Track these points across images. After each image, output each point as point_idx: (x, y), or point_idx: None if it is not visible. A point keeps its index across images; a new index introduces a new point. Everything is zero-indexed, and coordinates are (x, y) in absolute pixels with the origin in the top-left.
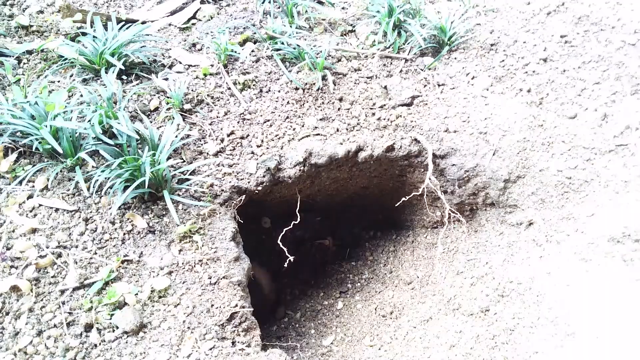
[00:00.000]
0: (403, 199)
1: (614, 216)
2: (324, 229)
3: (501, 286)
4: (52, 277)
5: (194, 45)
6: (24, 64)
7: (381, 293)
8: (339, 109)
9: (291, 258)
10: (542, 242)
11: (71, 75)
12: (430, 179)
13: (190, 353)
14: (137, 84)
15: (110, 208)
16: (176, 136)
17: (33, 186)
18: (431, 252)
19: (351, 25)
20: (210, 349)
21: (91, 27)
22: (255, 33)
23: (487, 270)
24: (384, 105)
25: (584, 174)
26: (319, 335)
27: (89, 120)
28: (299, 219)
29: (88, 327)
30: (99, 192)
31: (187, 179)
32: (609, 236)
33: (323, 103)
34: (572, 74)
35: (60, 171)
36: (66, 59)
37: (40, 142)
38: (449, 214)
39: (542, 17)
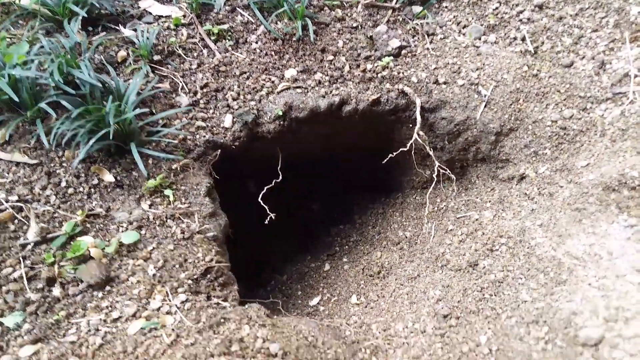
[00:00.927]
0: (390, 155)
1: (610, 165)
2: (311, 194)
3: (490, 241)
4: (12, 231)
5: None
6: None
7: (369, 254)
8: (321, 61)
9: (272, 215)
10: (535, 195)
11: (32, 27)
12: (418, 133)
13: (160, 306)
14: (104, 36)
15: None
16: (144, 86)
17: None
18: (420, 212)
19: None
20: (183, 302)
21: None
22: None
23: (476, 226)
24: (370, 56)
25: (579, 123)
26: (306, 296)
27: (49, 70)
28: (280, 177)
29: (50, 281)
30: (61, 146)
31: (158, 131)
32: (605, 184)
33: (304, 54)
34: (569, 21)
35: (22, 124)
36: (27, 9)
37: None
38: (439, 171)
39: None
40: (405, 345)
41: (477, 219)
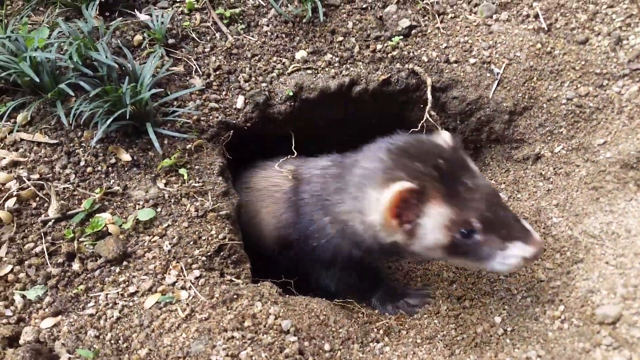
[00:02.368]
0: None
1: (627, 142)
2: None
3: None
4: (34, 209)
5: None
6: (7, 5)
7: None
8: (331, 42)
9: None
10: (551, 175)
11: (52, 13)
12: (430, 113)
13: (175, 281)
14: (120, 20)
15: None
16: (159, 69)
17: (15, 122)
18: None
19: None
20: (197, 278)
21: None
22: None
23: None
24: (380, 36)
25: (595, 101)
26: None
27: (69, 52)
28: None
29: (70, 256)
30: (80, 126)
31: (173, 112)
32: (622, 162)
33: (314, 36)
34: None
35: (43, 106)
36: None
37: (19, 76)
38: None
39: None
40: (419, 326)
41: None
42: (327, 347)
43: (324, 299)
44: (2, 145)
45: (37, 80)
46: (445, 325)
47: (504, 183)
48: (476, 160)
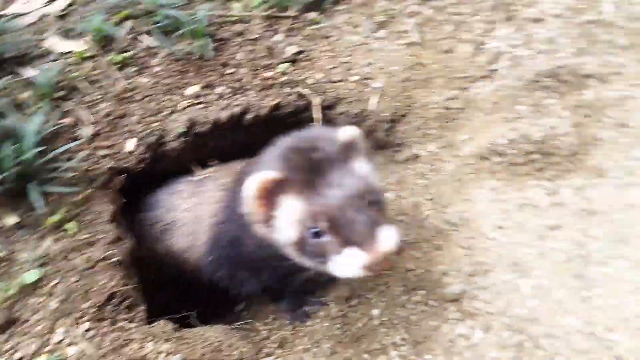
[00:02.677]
0: None
1: (483, 136)
2: None
3: (391, 220)
4: None
5: (70, 31)
6: None
7: None
8: (222, 75)
9: None
10: (427, 172)
11: None
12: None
13: (62, 339)
14: (6, 80)
15: None
16: (46, 124)
17: None
18: None
19: None
20: (86, 331)
21: None
22: (133, 10)
23: None
24: (269, 64)
25: (459, 102)
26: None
27: None
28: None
29: None
30: None
31: (58, 167)
32: (478, 154)
33: (206, 71)
34: (450, 9)
35: None
36: None
37: None
38: None
39: None
40: (312, 331)
41: None
42: None
43: (221, 325)
44: None
45: None
46: (333, 326)
47: (392, 184)
48: None
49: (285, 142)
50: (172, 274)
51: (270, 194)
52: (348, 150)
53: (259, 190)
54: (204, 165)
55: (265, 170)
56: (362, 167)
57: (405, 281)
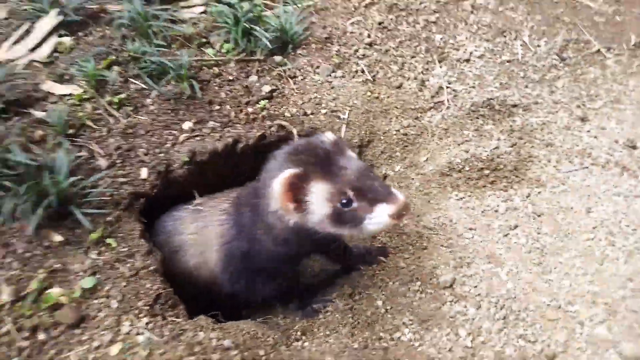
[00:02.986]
0: None
1: (441, 157)
2: None
3: None
4: None
5: (62, 76)
6: None
7: None
8: (210, 111)
9: None
10: (397, 188)
11: None
12: None
13: (130, 330)
14: (19, 120)
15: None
16: (69, 157)
17: None
18: None
19: (205, 37)
20: (147, 324)
21: None
22: (118, 57)
23: None
24: (249, 101)
25: (415, 129)
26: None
27: None
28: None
29: (34, 329)
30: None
31: (89, 193)
32: (439, 172)
33: (195, 108)
34: (393, 52)
35: None
36: None
37: None
38: None
39: (362, 10)
40: (326, 322)
41: None
42: (261, 352)
43: (249, 319)
44: None
45: None
46: (345, 317)
47: None
48: None
49: (287, 150)
50: (185, 287)
51: (296, 186)
52: (338, 146)
53: (287, 185)
54: (206, 189)
55: (285, 170)
56: (354, 156)
57: (401, 276)
